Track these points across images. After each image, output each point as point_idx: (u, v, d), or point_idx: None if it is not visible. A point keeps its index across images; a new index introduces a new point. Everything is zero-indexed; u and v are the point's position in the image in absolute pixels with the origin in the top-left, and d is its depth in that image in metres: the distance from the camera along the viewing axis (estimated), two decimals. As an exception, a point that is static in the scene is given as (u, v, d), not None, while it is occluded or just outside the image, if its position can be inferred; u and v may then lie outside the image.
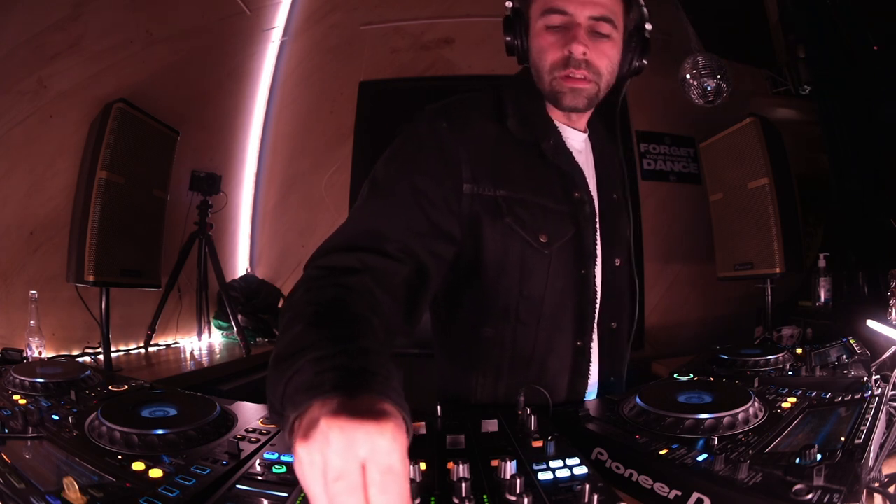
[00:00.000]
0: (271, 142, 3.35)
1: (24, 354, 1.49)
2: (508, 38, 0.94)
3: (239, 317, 2.72)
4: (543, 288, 0.93)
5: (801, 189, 2.55)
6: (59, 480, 0.58)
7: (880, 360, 1.04)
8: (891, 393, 0.82)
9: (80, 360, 2.15)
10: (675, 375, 1.12)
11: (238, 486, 0.61)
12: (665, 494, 0.65)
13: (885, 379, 0.87)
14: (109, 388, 1.03)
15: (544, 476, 0.62)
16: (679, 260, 3.25)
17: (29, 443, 0.72)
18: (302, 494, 0.58)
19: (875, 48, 2.23)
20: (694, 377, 1.09)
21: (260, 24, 3.16)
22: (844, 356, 1.16)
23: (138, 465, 0.66)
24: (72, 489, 0.56)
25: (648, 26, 0.94)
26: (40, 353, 1.55)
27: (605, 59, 0.90)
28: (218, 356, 2.64)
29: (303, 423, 0.43)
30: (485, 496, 0.57)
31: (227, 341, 2.91)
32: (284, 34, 3.30)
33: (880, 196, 2.33)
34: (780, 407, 0.84)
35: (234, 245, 3.28)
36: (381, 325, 0.66)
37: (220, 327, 2.95)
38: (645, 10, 0.93)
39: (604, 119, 1.09)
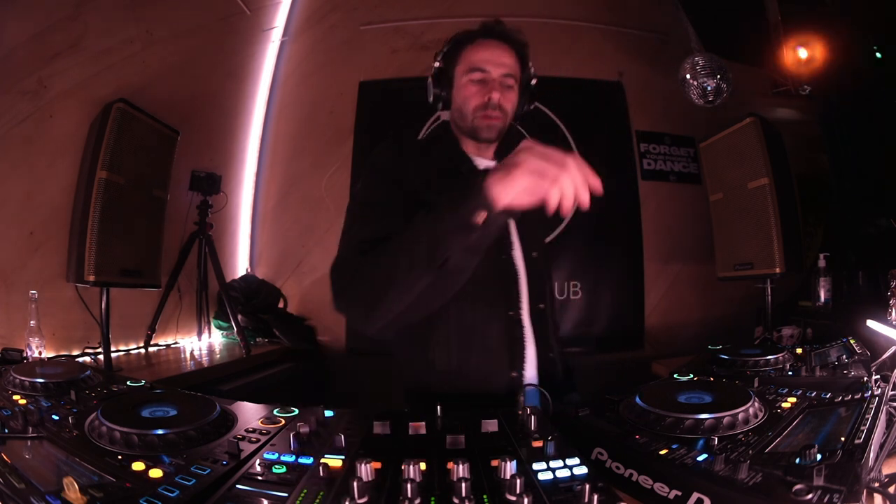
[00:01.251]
0: (271, 142, 3.35)
1: (24, 354, 1.49)
2: (436, 91, 1.27)
3: (239, 317, 2.72)
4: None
5: (801, 189, 2.55)
6: (59, 480, 0.58)
7: (880, 360, 1.04)
8: (891, 393, 0.82)
9: (80, 360, 2.14)
10: (675, 375, 1.12)
11: (238, 486, 0.61)
12: (665, 494, 0.65)
13: (885, 379, 0.87)
14: (110, 388, 1.03)
15: (544, 476, 0.62)
16: (679, 260, 3.24)
17: (29, 443, 0.72)
18: (303, 494, 0.58)
19: (875, 48, 2.23)
20: (694, 377, 1.10)
21: (260, 24, 3.16)
22: (844, 356, 1.16)
23: (138, 465, 0.66)
24: (72, 489, 0.56)
25: (534, 81, 1.28)
26: (40, 353, 1.55)
27: (510, 102, 1.22)
28: (218, 356, 2.64)
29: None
30: (485, 496, 0.58)
31: (227, 341, 2.91)
32: (284, 34, 3.30)
33: (880, 196, 2.33)
34: (780, 407, 0.84)
35: (234, 245, 3.28)
36: None
37: (220, 327, 2.95)
38: (532, 69, 1.27)
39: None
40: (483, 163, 1.26)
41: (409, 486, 0.57)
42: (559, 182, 0.78)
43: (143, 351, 2.56)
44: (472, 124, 1.20)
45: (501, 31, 1.22)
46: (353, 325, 2.57)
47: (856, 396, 0.83)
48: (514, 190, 0.79)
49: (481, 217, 0.82)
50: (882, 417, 0.74)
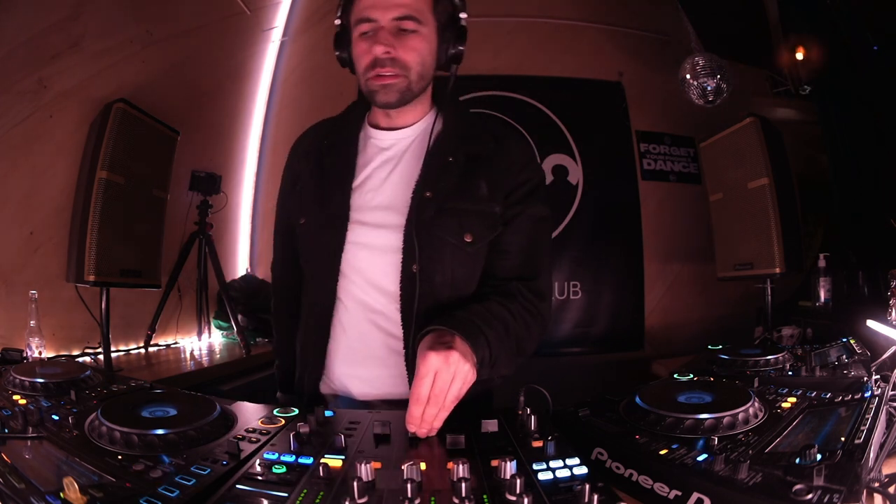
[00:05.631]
0: (271, 142, 3.35)
1: (24, 354, 1.49)
2: (337, 53, 1.05)
3: (239, 317, 2.72)
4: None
5: (801, 189, 2.55)
6: (59, 480, 0.58)
7: (880, 360, 1.04)
8: (891, 393, 0.82)
9: (80, 360, 2.14)
10: (675, 375, 1.12)
11: (238, 486, 0.61)
12: (665, 494, 0.65)
13: (885, 379, 0.87)
14: (109, 388, 1.03)
15: (544, 476, 0.62)
16: (679, 260, 3.24)
17: (29, 443, 0.72)
18: (303, 494, 0.58)
19: (875, 48, 2.23)
20: (694, 377, 1.10)
21: (260, 24, 3.15)
22: (844, 356, 1.17)
23: (138, 465, 0.66)
24: (72, 489, 0.56)
25: (463, 15, 1.01)
26: (40, 353, 1.55)
27: (413, 52, 0.97)
28: (218, 356, 2.64)
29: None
30: (485, 496, 0.58)
31: (227, 341, 2.91)
32: (284, 34, 3.29)
33: (880, 196, 2.33)
34: (780, 407, 0.84)
35: (234, 245, 3.27)
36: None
37: (220, 327, 2.94)
38: (457, 1, 1.00)
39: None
40: (382, 136, 1.06)
41: (409, 486, 0.57)
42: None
43: (143, 351, 2.55)
44: (366, 87, 0.99)
45: None
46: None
47: (856, 396, 0.83)
48: None
49: None
50: (882, 417, 0.74)
